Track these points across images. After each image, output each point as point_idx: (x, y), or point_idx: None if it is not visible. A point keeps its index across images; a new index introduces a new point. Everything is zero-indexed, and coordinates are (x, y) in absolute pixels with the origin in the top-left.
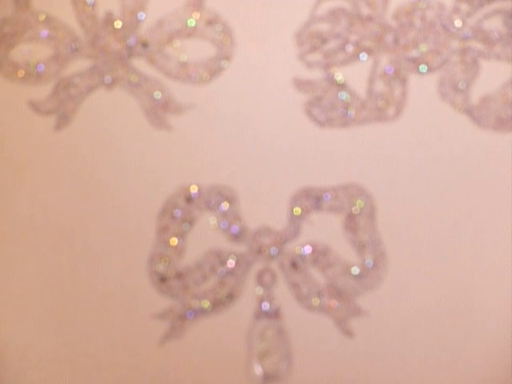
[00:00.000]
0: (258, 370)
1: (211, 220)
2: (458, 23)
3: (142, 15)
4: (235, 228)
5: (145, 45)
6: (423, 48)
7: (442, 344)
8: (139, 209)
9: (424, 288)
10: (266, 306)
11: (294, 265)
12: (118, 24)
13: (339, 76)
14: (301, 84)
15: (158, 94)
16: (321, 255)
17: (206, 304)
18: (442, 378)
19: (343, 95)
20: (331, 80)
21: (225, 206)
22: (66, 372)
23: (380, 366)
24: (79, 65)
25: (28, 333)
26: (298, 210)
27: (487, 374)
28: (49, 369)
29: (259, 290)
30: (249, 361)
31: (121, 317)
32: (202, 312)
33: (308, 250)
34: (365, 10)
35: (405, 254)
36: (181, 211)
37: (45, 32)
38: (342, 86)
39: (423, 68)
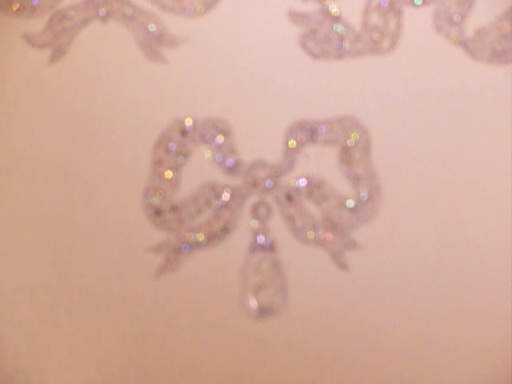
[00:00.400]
0: (253, 303)
1: (206, 153)
2: None
3: None
4: (230, 161)
5: None
6: None
7: (438, 276)
8: (134, 142)
9: (419, 221)
10: (261, 239)
11: (289, 198)
12: None
13: (334, 8)
14: (295, 17)
15: (152, 27)
16: (316, 188)
17: (200, 237)
18: (437, 310)
19: (338, 28)
20: (326, 12)
21: (220, 139)
22: (60, 306)
23: (375, 299)
24: None
25: (21, 267)
26: (292, 143)
27: (483, 304)
28: (42, 303)
29: (254, 223)
30: (244, 294)
31: (115, 250)
32: (196, 245)
33: (303, 182)
34: None
35: (400, 187)
36: (176, 144)
37: None
38: (336, 19)
39: (418, 0)
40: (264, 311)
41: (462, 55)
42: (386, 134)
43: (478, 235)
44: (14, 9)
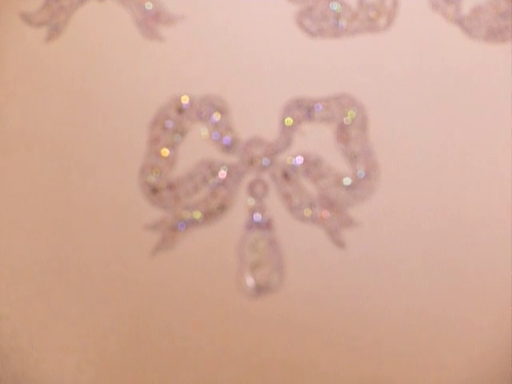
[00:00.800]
0: (249, 281)
1: (203, 131)
2: None
3: None
4: (227, 139)
5: None
6: None
7: (434, 254)
8: (130, 120)
9: (416, 198)
10: (257, 216)
11: (285, 175)
12: None
13: None
14: None
15: (149, 5)
16: (312, 166)
17: (197, 215)
18: (434, 288)
19: (334, 5)
20: None
21: (216, 116)
22: (56, 284)
23: (372, 277)
24: None
25: (18, 245)
26: (289, 121)
27: (481, 282)
28: (40, 281)
29: (251, 201)
30: (240, 272)
31: (112, 228)
32: (193, 223)
33: (299, 160)
34: None
35: (397, 165)
36: (172, 122)
37: None
38: None
39: None
40: (260, 289)
41: (458, 33)
42: (382, 111)
43: (475, 213)
44: None
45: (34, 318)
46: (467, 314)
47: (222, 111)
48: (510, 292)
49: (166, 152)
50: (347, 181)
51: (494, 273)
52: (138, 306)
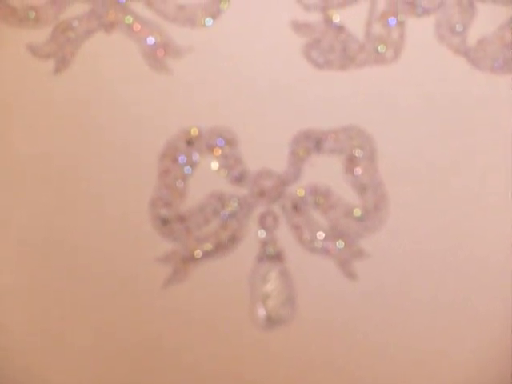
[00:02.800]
0: (261, 312)
1: (213, 165)
2: None
3: None
4: (236, 171)
5: None
6: None
7: (445, 286)
8: (140, 152)
9: (426, 229)
10: (268, 248)
11: (295, 207)
12: None
13: (337, 18)
14: (299, 26)
15: (156, 37)
16: (322, 197)
17: (208, 247)
18: (444, 319)
19: (342, 38)
20: (329, 22)
21: (226, 148)
22: (67, 315)
23: (383, 307)
24: (78, 8)
25: (27, 276)
26: (298, 153)
27: (490, 312)
28: (50, 312)
29: (262, 233)
30: (252, 304)
31: (123, 260)
32: (205, 255)
33: (310, 192)
34: None
35: (406, 196)
36: (182, 154)
37: None
38: (340, 29)
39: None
40: (272, 321)
41: (464, 64)
42: (391, 143)
43: (485, 245)
44: (18, 19)
45: (45, 350)
46: (477, 345)
47: (231, 143)
48: None
49: (176, 184)
50: (357, 212)
51: (501, 305)
52: (150, 337)
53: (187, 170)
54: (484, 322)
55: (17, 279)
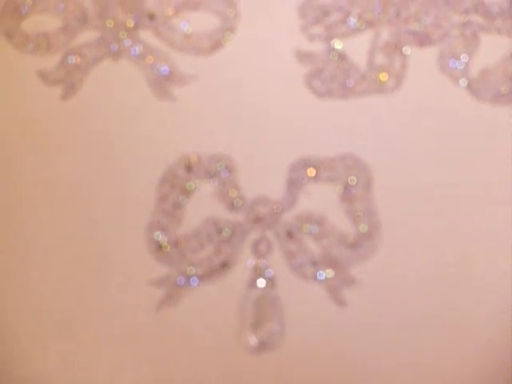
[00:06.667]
0: (251, 337)
1: (210, 189)
2: None
3: None
4: (233, 196)
5: (151, 17)
6: (425, 21)
7: (436, 314)
8: (140, 177)
9: (418, 259)
10: (260, 279)
11: (289, 234)
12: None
13: (340, 48)
14: (302, 56)
15: (162, 65)
16: (316, 225)
17: (201, 272)
18: (435, 347)
19: (344, 67)
20: (332, 52)
21: (224, 174)
22: (63, 333)
23: (372, 335)
24: (87, 36)
25: (27, 303)
26: (295, 180)
27: (484, 340)
28: (46, 331)
29: (254, 259)
30: (242, 329)
31: (118, 283)
32: (198, 280)
33: (304, 219)
34: None
35: (400, 225)
36: (180, 180)
37: (55, 4)
38: (342, 58)
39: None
40: (262, 345)
41: (465, 95)
42: (388, 172)
43: (477, 276)
44: (30, 46)
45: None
46: (470, 376)
47: (230, 169)
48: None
49: (173, 209)
50: (350, 240)
51: (495, 333)
52: (142, 358)
53: (184, 196)
54: (478, 357)
55: (20, 304)
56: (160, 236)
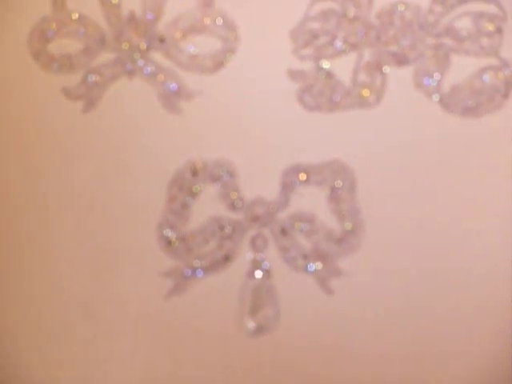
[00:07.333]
0: (249, 322)
1: (213, 191)
2: (432, 22)
3: (160, 14)
4: (233, 198)
5: (162, 40)
6: (402, 44)
7: (415, 301)
8: (151, 181)
9: (398, 252)
10: (258, 269)
11: (283, 231)
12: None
13: (327, 67)
14: (294, 74)
15: (171, 83)
16: (307, 223)
17: (205, 265)
18: (416, 331)
19: (330, 84)
20: (321, 71)
21: (226, 178)
22: (86, 317)
23: (357, 321)
24: (105, 57)
25: (48, 288)
26: (288, 183)
27: (466, 330)
28: (71, 316)
29: (252, 253)
30: (242, 314)
31: (132, 274)
32: (203, 271)
33: (295, 219)
34: (351, 11)
35: (381, 223)
36: (187, 183)
37: (77, 29)
38: (329, 76)
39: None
40: (259, 329)
41: (438, 109)
42: (369, 176)
43: (451, 264)
44: (55, 66)
45: (72, 339)
46: (454, 364)
47: (231, 174)
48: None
49: (181, 209)
50: (337, 235)
51: (470, 322)
52: (153, 340)
53: (190, 197)
54: (462, 342)
55: (38, 301)
56: (169, 233)
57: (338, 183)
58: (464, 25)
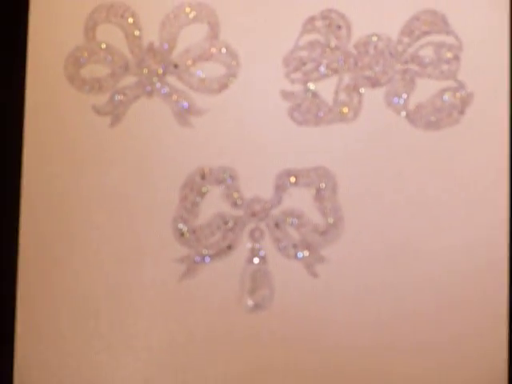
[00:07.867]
0: (249, 301)
1: (218, 191)
2: (400, 51)
3: (174, 45)
4: (235, 197)
5: (175, 66)
6: (375, 69)
7: (385, 282)
8: (167, 184)
9: (371, 242)
10: (255, 256)
11: (276, 225)
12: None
13: (314, 88)
14: (286, 94)
15: (183, 102)
16: (296, 218)
17: (212, 253)
18: (386, 305)
19: (316, 102)
20: (307, 91)
21: (229, 181)
22: (111, 297)
23: (338, 299)
24: (128, 80)
25: (76, 286)
26: (280, 185)
27: (437, 311)
28: (99, 296)
29: (251, 243)
30: (242, 294)
31: (151, 261)
32: (210, 258)
33: (287, 214)
34: (333, 42)
35: (357, 218)
36: (197, 185)
37: (105, 56)
38: (315, 96)
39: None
40: (257, 307)
41: (405, 123)
42: (349, 180)
43: (419, 251)
44: (87, 88)
45: (99, 317)
46: (427, 337)
47: (233, 177)
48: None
49: (192, 206)
50: (321, 229)
51: (454, 315)
52: (169, 315)
53: (200, 196)
54: (436, 318)
55: (58, 299)
56: (182, 226)
57: (323, 185)
58: (427, 53)
